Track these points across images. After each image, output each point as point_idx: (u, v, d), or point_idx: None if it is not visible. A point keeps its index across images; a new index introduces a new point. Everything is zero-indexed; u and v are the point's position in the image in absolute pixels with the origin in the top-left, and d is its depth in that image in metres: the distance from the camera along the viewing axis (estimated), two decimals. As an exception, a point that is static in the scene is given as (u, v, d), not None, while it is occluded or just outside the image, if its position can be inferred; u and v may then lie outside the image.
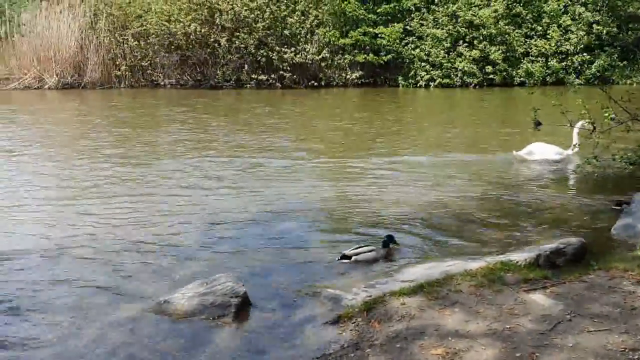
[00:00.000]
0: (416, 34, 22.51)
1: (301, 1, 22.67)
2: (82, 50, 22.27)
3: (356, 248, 4.84)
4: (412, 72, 22.54)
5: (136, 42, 22.08)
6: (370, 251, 4.84)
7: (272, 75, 22.37)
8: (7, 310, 3.80)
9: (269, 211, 6.09)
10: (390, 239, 4.99)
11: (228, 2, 21.93)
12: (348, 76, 22.74)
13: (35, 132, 12.34)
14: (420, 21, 22.62)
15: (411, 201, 6.52)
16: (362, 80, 22.91)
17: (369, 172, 8.05)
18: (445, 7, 22.39)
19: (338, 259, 4.79)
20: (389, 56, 22.18)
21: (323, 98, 20.36)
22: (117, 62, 22.40)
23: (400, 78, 22.76)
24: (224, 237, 5.28)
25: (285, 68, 22.22)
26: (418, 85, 22.43)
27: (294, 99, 19.60)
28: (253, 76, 22.53)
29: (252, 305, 3.92)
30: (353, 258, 4.76)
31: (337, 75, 22.92)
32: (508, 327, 3.51)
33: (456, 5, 22.24)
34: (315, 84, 22.66)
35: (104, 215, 5.89)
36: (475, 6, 22.24)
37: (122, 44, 22.31)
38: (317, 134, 11.88)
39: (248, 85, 22.60)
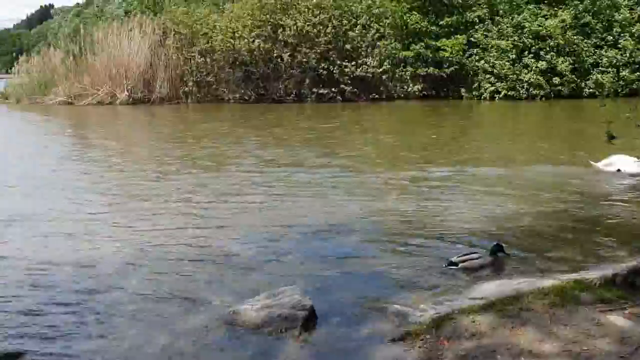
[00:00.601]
0: (480, 46, 22.18)
1: (363, 15, 22.77)
2: (152, 67, 23.15)
3: (463, 255, 4.81)
4: (476, 84, 22.20)
5: (202, 59, 22.77)
6: (477, 258, 4.78)
7: (333, 89, 22.54)
8: (78, 318, 3.93)
9: (329, 224, 6.09)
10: (498, 248, 4.89)
11: (291, 18, 22.28)
12: (409, 89, 22.64)
13: (103, 143, 12.87)
14: (485, 32, 22.29)
15: (478, 215, 6.38)
16: (424, 93, 22.74)
17: (433, 185, 7.95)
18: (511, 17, 21.97)
19: (445, 266, 4.77)
20: (452, 68, 21.93)
21: (384, 111, 20.30)
22: (185, 79, 23.16)
23: (463, 90, 22.46)
24: (286, 249, 5.30)
25: (346, 81, 22.35)
26: (482, 97, 22.05)
27: (355, 112, 19.64)
28: (314, 90, 22.78)
29: (319, 318, 3.91)
30: (460, 265, 4.72)
31: (398, 88, 22.86)
32: (585, 348, 3.35)
33: (522, 16, 21.78)
34: (376, 97, 22.67)
35: (170, 226, 6.05)
36: (541, 16, 21.70)
37: (189, 61, 23.05)
38: (379, 147, 11.86)
39: (309, 99, 22.84)
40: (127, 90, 23.11)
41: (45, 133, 15.49)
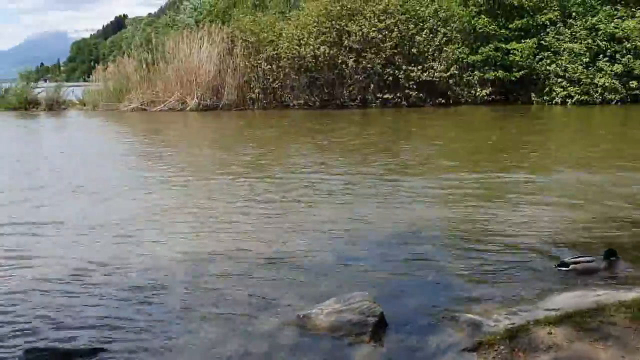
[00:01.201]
0: (552, 49, 21.51)
1: (430, 19, 22.53)
2: (220, 75, 23.74)
3: (576, 257, 4.72)
4: (547, 89, 21.53)
5: (269, 66, 23.13)
6: (590, 261, 4.67)
7: (398, 94, 22.41)
8: (155, 316, 4.06)
9: (398, 230, 6.05)
10: (611, 252, 4.76)
11: (357, 24, 22.32)
12: (477, 93, 22.21)
13: (176, 147, 13.29)
14: (557, 35, 21.58)
15: (550, 222, 6.18)
16: (492, 97, 22.24)
17: (505, 190, 7.77)
18: (584, 20, 21.18)
19: (556, 266, 4.71)
20: (522, 72, 21.36)
21: (451, 115, 19.98)
22: (252, 85, 23.62)
23: (533, 95, 21.84)
24: (355, 255, 5.31)
25: (411, 86, 22.18)
26: (553, 102, 21.37)
27: (422, 116, 19.44)
28: (379, 95, 22.72)
29: (388, 325, 3.89)
30: (571, 266, 4.63)
31: (465, 93, 22.48)
32: (673, 367, 3.19)
33: (596, 18, 20.96)
34: (443, 101, 22.36)
35: (240, 229, 6.17)
36: (617, 18, 20.80)
37: (255, 68, 23.47)
38: (447, 151, 11.68)
39: (373, 105, 22.78)
40: (197, 97, 23.79)
41: (120, 137, 16.14)
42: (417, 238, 5.78)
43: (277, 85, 23.68)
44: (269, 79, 23.60)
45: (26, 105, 27.78)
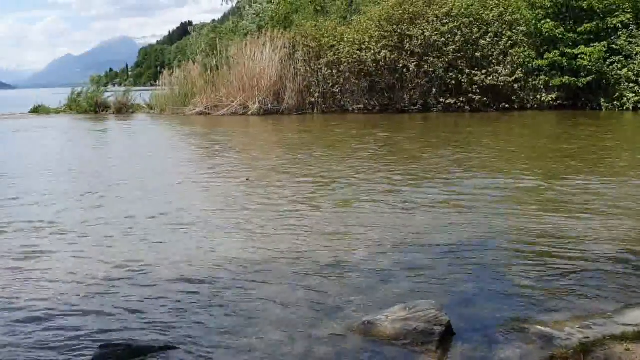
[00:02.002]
0: (623, 53, 20.64)
1: (494, 22, 22.10)
2: (281, 79, 24.03)
3: None
4: (618, 94, 20.69)
5: (329, 71, 23.25)
6: None
7: (461, 99, 22.06)
8: (222, 318, 4.13)
9: (466, 236, 5.93)
10: None
11: (419, 28, 22.14)
12: (543, 98, 21.60)
13: (236, 150, 13.52)
14: (629, 39, 20.70)
15: (627, 231, 5.90)
16: (559, 102, 21.57)
17: (577, 197, 7.50)
18: (660, 21, 20.22)
19: None
20: (590, 77, 20.61)
21: (517, 121, 19.49)
22: (312, 90, 23.81)
23: (603, 100, 21.03)
24: (420, 262, 5.23)
25: (474, 91, 21.79)
26: (624, 107, 20.50)
27: (486, 121, 19.05)
28: (440, 99, 22.43)
29: (455, 335, 3.80)
30: None
31: (531, 98, 21.91)
32: None
33: (673, 19, 19.98)
34: (507, 106, 21.86)
35: (301, 231, 6.20)
36: (697, 18, 19.77)
37: (316, 73, 23.65)
38: (512, 157, 11.39)
39: (435, 109, 22.51)
40: (258, 102, 24.17)
41: (184, 140, 16.59)
42: (484, 245, 5.65)
43: (336, 90, 23.77)
44: (329, 83, 23.74)
45: (96, 109, 28.99)
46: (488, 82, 21.46)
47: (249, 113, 24.25)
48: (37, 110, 31.07)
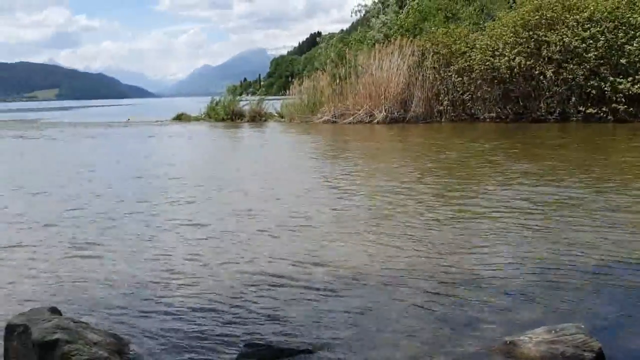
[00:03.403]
0: None
1: (644, 26, 20.34)
2: (409, 87, 23.85)
3: None
4: None
5: (459, 78, 22.69)
6: None
7: (603, 108, 20.53)
8: (358, 326, 4.10)
9: (614, 256, 5.44)
10: None
11: (557, 34, 20.97)
12: None
13: (360, 156, 13.56)
14: None
15: None
16: None
17: None
18: None
19: None
20: None
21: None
22: (440, 98, 23.38)
23: None
24: (565, 281, 4.85)
25: (619, 100, 20.18)
26: None
27: (633, 133, 17.53)
28: (580, 109, 21.05)
29: (608, 363, 3.49)
30: None
31: (685, 107, 19.88)
32: None
33: None
34: (658, 117, 20.03)
35: (440, 246, 6.04)
36: None
37: (445, 80, 23.18)
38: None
39: (574, 119, 21.16)
40: (385, 110, 24.17)
41: (312, 146, 16.98)
42: (634, 267, 5.15)
43: (467, 98, 23.14)
44: (458, 91, 23.18)
45: (232, 117, 30.60)
46: (635, 90, 19.76)
47: (375, 121, 24.33)
48: (179, 117, 33.46)
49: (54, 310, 3.70)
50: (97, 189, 10.19)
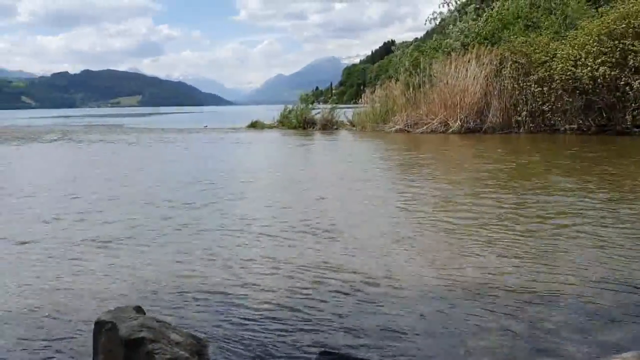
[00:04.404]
0: None
1: None
2: (486, 97, 23.32)
3: None
4: None
5: (539, 88, 21.98)
6: None
7: (697, 121, 19.27)
8: (436, 339, 4.04)
9: None
10: None
11: (646, 42, 19.91)
12: None
13: (430, 165, 13.35)
14: None
15: None
16: None
17: None
18: None
19: None
20: None
21: None
22: (518, 108, 22.72)
23: None
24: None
25: None
26: None
27: None
28: (672, 121, 19.88)
29: (703, 395, 3.26)
30: None
31: None
32: None
33: None
34: None
35: (503, 252, 5.87)
36: None
37: (524, 90, 22.52)
38: None
39: (663, 132, 20.01)
40: (460, 120, 23.74)
41: (384, 153, 16.91)
42: None
43: (546, 108, 22.36)
44: (538, 101, 22.43)
45: (304, 125, 30.99)
46: None
47: (449, 131, 23.93)
48: (253, 125, 34.24)
49: (139, 309, 3.86)
50: (186, 194, 10.56)
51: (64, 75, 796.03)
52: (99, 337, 3.55)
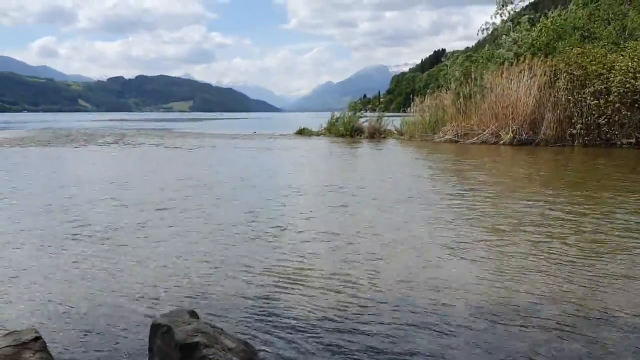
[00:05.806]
0: None
1: None
2: (539, 108, 22.85)
3: None
4: None
5: (595, 101, 21.41)
6: None
7: None
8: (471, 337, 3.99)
9: None
10: None
11: None
12: None
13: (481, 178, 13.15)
14: None
15: None
16: None
17: None
18: None
19: None
20: None
21: None
22: (573, 120, 22.17)
23: None
24: None
25: None
26: None
27: None
28: None
29: None
30: None
31: None
32: None
33: None
34: None
35: (557, 277, 5.73)
36: None
37: (579, 103, 21.96)
38: None
39: None
40: (512, 131, 23.32)
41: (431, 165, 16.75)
42: None
43: (603, 122, 21.73)
44: (594, 114, 21.83)
45: (352, 133, 31.02)
46: None
47: (501, 142, 23.53)
48: (300, 132, 34.52)
49: (193, 314, 3.96)
50: (245, 205, 10.75)
51: (119, 80, 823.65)
52: (155, 339, 3.66)
